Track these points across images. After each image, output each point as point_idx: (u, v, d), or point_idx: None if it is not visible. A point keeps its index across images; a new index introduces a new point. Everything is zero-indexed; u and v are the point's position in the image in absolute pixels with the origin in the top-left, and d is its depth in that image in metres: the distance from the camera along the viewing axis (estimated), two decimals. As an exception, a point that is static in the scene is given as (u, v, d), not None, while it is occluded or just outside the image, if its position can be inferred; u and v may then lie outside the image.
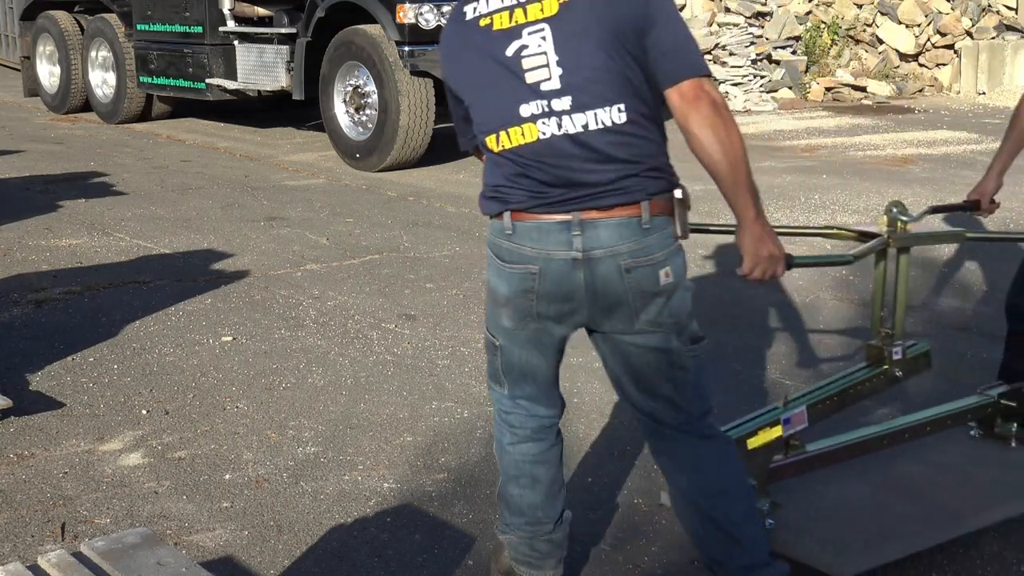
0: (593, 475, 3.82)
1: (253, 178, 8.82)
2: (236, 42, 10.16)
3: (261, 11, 10.22)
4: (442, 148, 9.42)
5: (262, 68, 10.00)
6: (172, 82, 10.84)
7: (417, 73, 8.82)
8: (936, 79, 14.01)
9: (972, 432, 3.73)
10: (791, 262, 2.73)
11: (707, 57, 13.73)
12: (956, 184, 8.58)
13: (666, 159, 2.63)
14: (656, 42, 2.50)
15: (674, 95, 2.52)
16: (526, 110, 2.55)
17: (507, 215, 2.63)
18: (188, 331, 5.23)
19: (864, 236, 3.41)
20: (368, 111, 9.19)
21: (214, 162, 9.67)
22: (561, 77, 2.52)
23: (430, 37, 8.77)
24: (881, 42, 14.21)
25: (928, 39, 13.98)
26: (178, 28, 10.61)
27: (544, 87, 2.53)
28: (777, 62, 13.57)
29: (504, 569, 3.04)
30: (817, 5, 14.43)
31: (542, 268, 2.60)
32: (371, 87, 9.07)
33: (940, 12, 13.97)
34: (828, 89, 13.52)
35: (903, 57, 14.14)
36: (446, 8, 8.77)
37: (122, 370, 4.74)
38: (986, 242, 3.58)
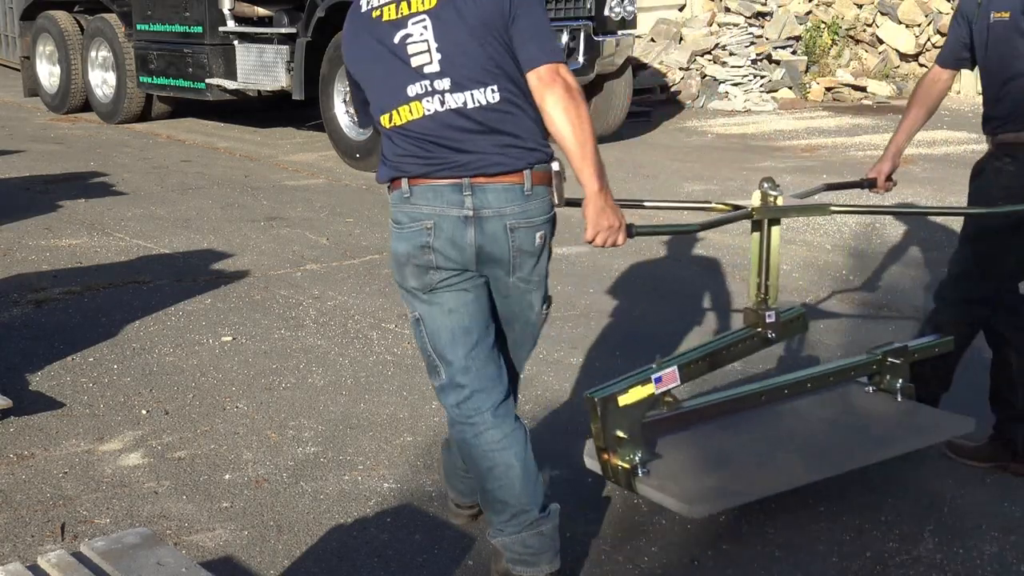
0: (593, 475, 3.82)
1: (253, 178, 8.82)
2: (236, 42, 10.16)
3: (261, 11, 10.22)
4: (442, 148, 9.41)
5: (262, 68, 10.00)
6: (172, 82, 10.84)
7: (417, 73, 8.82)
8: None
9: (867, 389, 3.94)
10: (632, 232, 2.98)
11: (707, 57, 13.75)
12: (956, 184, 8.57)
13: (543, 136, 2.91)
14: (518, 30, 2.83)
15: (533, 78, 2.83)
16: (412, 90, 2.87)
17: (404, 181, 2.91)
18: (188, 331, 5.23)
19: (736, 209, 3.62)
20: (368, 111, 9.18)
21: (214, 162, 9.67)
22: (440, 62, 2.85)
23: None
24: (881, 42, 14.21)
25: (928, 39, 13.97)
26: (178, 28, 10.61)
27: (427, 70, 2.85)
28: (777, 62, 13.57)
29: (502, 571, 3.06)
30: (817, 5, 14.43)
31: (437, 223, 2.88)
32: (371, 87, 9.07)
33: (940, 12, 13.96)
34: (828, 89, 13.52)
35: (903, 57, 14.13)
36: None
37: (122, 370, 4.74)
38: (852, 215, 3.83)
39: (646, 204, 4.03)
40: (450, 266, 2.91)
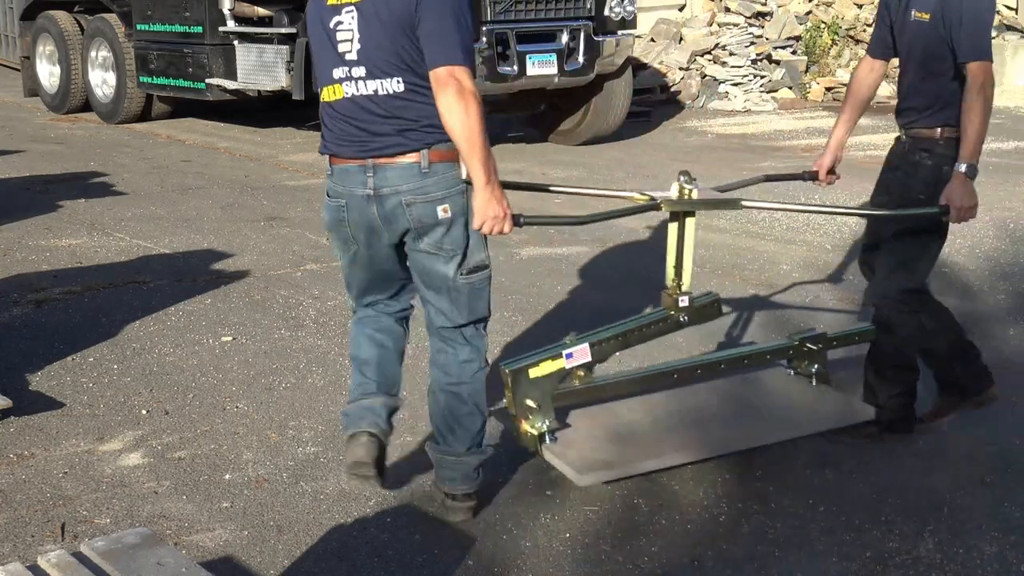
0: (593, 475, 3.82)
1: (253, 178, 8.82)
2: (236, 42, 10.15)
3: (261, 11, 10.21)
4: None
5: (262, 68, 9.99)
6: (172, 82, 10.83)
7: (417, 73, 8.82)
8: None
9: (790, 372, 4.15)
10: (519, 221, 3.23)
11: (707, 57, 13.74)
12: (956, 184, 8.58)
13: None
14: (423, 32, 3.11)
15: (432, 77, 3.11)
16: (336, 74, 3.23)
17: (327, 159, 3.33)
18: (188, 331, 5.23)
19: (653, 200, 3.75)
20: (368, 111, 9.18)
21: (214, 162, 9.67)
22: (358, 51, 3.18)
23: (430, 37, 8.77)
24: (881, 42, 14.22)
25: (928, 39, 13.99)
26: (178, 28, 10.61)
27: (347, 57, 3.20)
28: (777, 62, 13.57)
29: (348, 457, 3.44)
30: (817, 5, 14.42)
31: (347, 202, 3.29)
32: (371, 87, 9.07)
33: (940, 12, 13.97)
34: (828, 89, 13.51)
35: (903, 57, 14.14)
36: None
37: (122, 370, 4.74)
38: (764, 210, 3.99)
39: (551, 189, 4.27)
40: (361, 237, 3.32)
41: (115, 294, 5.76)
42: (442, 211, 3.22)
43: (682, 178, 3.69)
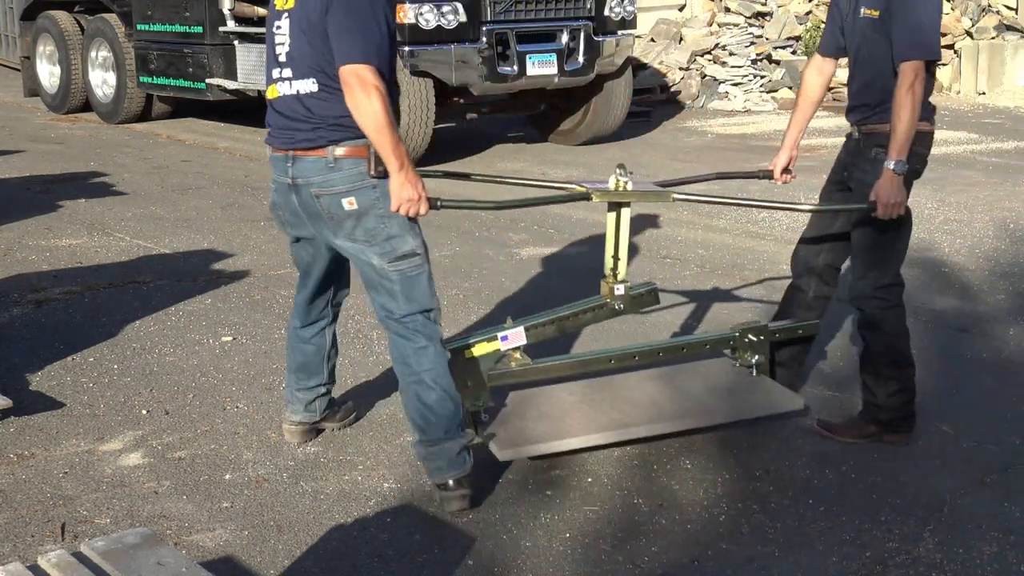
0: (593, 475, 3.82)
1: (253, 178, 8.82)
2: (236, 42, 10.15)
3: (261, 11, 10.20)
4: (442, 148, 9.42)
5: (262, 68, 9.97)
6: (172, 82, 10.83)
7: (417, 73, 8.82)
8: (936, 79, 14.02)
9: (735, 364, 4.22)
10: (436, 204, 3.47)
11: (707, 57, 13.73)
12: (956, 184, 8.58)
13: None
14: (330, 30, 3.35)
15: (339, 74, 3.35)
16: (274, 74, 3.56)
17: (268, 148, 3.64)
18: (188, 331, 5.23)
19: (586, 191, 3.89)
20: (368, 111, 9.18)
21: (214, 162, 9.67)
22: (287, 54, 3.50)
23: (430, 37, 8.77)
24: (881, 42, 14.22)
25: (928, 39, 13.98)
26: (178, 28, 10.61)
27: (280, 59, 3.53)
28: (777, 62, 13.56)
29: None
30: (817, 5, 14.42)
31: (276, 187, 3.64)
32: (371, 87, 9.06)
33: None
34: (828, 89, 13.52)
35: (903, 57, 14.14)
36: (446, 8, 8.78)
37: (122, 370, 4.74)
38: (695, 204, 4.09)
39: (473, 177, 4.39)
40: (289, 222, 3.69)
41: (115, 294, 5.76)
42: (348, 203, 3.47)
43: (618, 171, 3.82)
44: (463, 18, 8.86)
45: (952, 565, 3.27)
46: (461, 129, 10.88)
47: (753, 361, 4.15)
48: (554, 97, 10.22)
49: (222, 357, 4.89)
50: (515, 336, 3.80)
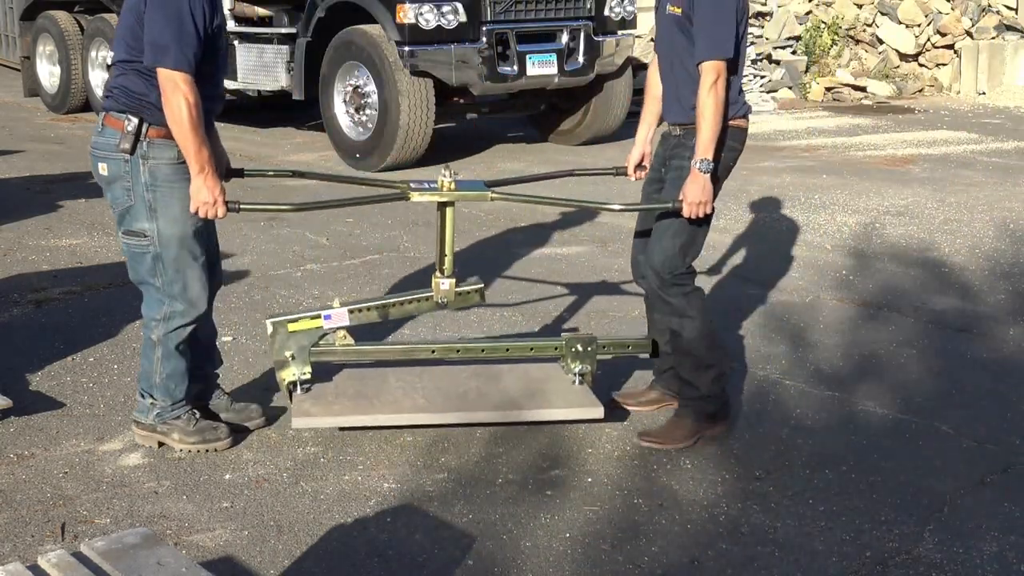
0: (593, 475, 3.83)
1: (253, 178, 8.80)
2: (236, 42, 10.16)
3: (261, 11, 10.22)
4: (442, 148, 9.42)
5: (262, 68, 10.00)
6: (172, 82, 10.82)
7: (417, 73, 8.82)
8: (936, 79, 14.00)
9: (564, 372, 4.22)
10: (235, 207, 3.73)
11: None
12: (956, 184, 8.59)
13: (140, 97, 3.66)
14: (145, 30, 3.58)
15: (158, 74, 3.58)
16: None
17: None
18: (188, 331, 5.22)
19: (405, 191, 4.04)
20: (368, 111, 9.18)
21: (214, 162, 9.65)
22: (117, 29, 3.78)
23: (430, 37, 8.77)
24: (881, 42, 14.20)
25: (928, 39, 13.96)
26: (178, 28, 10.60)
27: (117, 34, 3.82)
28: (777, 62, 13.56)
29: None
30: (817, 5, 14.42)
31: None
32: (371, 87, 9.07)
33: (940, 12, 13.94)
34: (828, 89, 13.51)
35: (903, 57, 14.13)
36: (446, 8, 8.78)
37: (122, 370, 4.73)
38: (513, 201, 4.15)
39: (298, 173, 4.68)
40: None
41: (115, 294, 5.76)
42: (101, 168, 3.75)
43: (444, 172, 3.95)
44: (463, 18, 8.86)
45: (952, 565, 3.28)
46: (461, 129, 10.88)
47: (576, 370, 4.17)
48: (554, 97, 10.22)
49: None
50: (338, 316, 4.02)
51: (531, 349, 4.29)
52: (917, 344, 5.11)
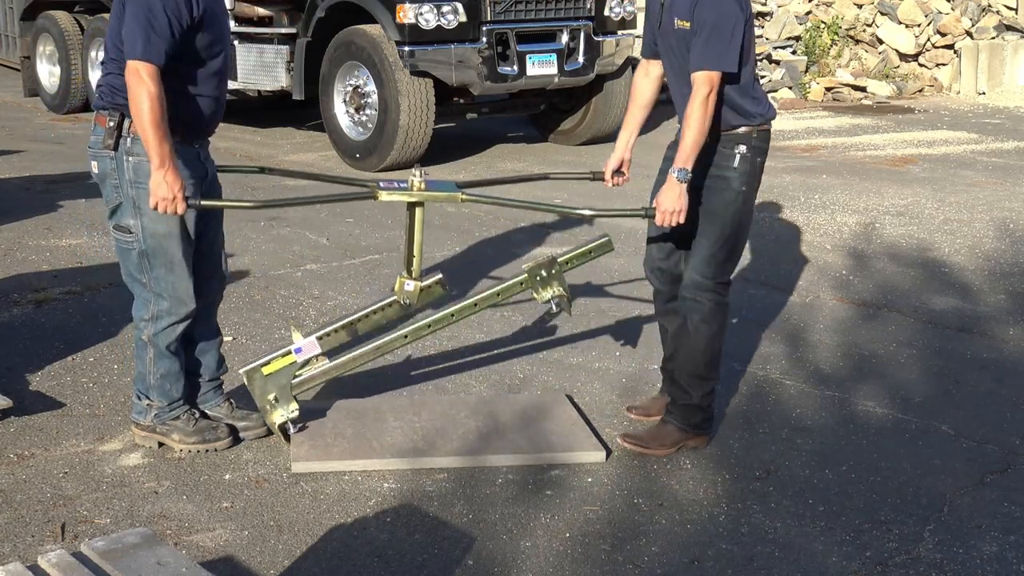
0: (593, 475, 3.83)
1: (253, 178, 8.81)
2: (236, 42, 10.15)
3: (261, 11, 10.22)
4: (442, 148, 9.42)
5: (262, 68, 9.99)
6: (172, 82, 10.82)
7: (417, 73, 8.82)
8: (936, 79, 14.00)
9: (552, 309, 4.16)
10: (195, 205, 3.67)
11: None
12: (956, 184, 8.59)
13: (122, 93, 3.60)
14: (124, 24, 3.57)
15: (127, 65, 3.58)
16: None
17: None
18: (188, 331, 5.22)
19: (371, 190, 3.99)
20: (368, 111, 9.18)
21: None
22: (108, 29, 3.78)
23: (430, 37, 8.77)
24: (881, 42, 14.20)
25: (928, 39, 13.96)
26: (178, 28, 10.60)
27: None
28: (777, 62, 13.56)
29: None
30: (817, 5, 14.42)
31: None
32: (371, 87, 9.07)
33: (940, 12, 13.94)
34: (828, 89, 13.51)
35: (903, 57, 14.13)
36: (446, 8, 8.78)
37: (122, 370, 4.74)
38: (483, 203, 4.11)
39: (266, 169, 4.52)
40: None
41: (115, 294, 5.75)
42: (93, 166, 3.79)
43: (415, 172, 3.92)
44: (463, 18, 8.85)
45: (952, 565, 3.28)
46: (461, 129, 10.88)
47: (550, 296, 4.10)
48: (554, 97, 10.22)
49: (222, 357, 4.89)
50: (308, 347, 3.95)
51: (498, 295, 4.15)
52: (917, 344, 5.11)
